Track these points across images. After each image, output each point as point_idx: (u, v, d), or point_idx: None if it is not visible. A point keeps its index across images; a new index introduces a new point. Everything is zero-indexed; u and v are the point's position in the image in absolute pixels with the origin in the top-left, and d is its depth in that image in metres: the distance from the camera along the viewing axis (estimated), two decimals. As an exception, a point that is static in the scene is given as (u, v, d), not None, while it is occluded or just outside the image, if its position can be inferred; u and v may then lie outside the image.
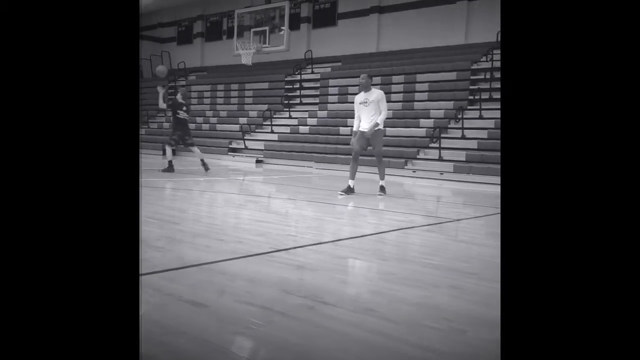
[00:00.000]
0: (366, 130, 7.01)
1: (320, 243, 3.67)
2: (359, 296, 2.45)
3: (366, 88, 7.03)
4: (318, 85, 16.41)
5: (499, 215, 5.71)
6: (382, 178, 7.27)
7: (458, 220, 5.39)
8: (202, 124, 17.92)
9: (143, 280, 2.52)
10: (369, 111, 7.00)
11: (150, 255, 3.04)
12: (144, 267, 2.75)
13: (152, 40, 23.73)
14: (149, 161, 12.32)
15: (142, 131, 19.95)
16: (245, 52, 14.32)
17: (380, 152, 7.19)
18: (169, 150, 10.12)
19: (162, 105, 9.87)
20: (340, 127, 13.88)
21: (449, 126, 12.01)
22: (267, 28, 13.96)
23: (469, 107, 12.29)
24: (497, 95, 12.32)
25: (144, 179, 8.25)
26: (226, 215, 5.12)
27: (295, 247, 3.45)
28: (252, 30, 14.38)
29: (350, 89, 15.15)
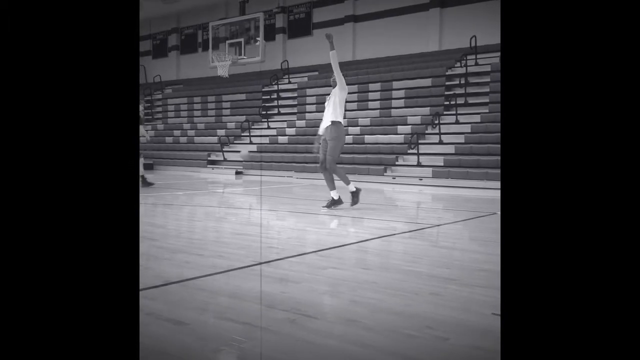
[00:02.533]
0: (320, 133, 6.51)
1: (302, 254, 3.66)
2: (340, 307, 2.44)
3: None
4: (295, 95, 16.44)
5: (479, 219, 5.76)
6: (332, 188, 6.55)
7: (439, 225, 5.43)
8: (180, 137, 17.78)
9: (122, 300, 2.47)
10: (326, 110, 6.43)
11: (129, 273, 2.99)
12: (122, 287, 2.70)
13: (126, 54, 23.52)
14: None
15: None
16: (221, 64, 14.27)
17: (332, 159, 6.40)
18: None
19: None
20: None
21: (427, 132, 12.13)
22: (242, 39, 13.95)
23: (445, 113, 12.44)
24: (473, 100, 12.50)
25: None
26: (206, 229, 5.07)
27: (277, 260, 3.43)
28: (228, 42, 14.35)
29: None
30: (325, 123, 6.40)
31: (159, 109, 20.89)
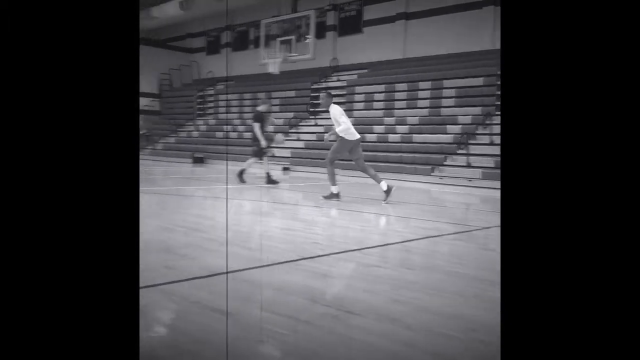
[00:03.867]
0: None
1: (346, 251, 3.68)
2: (382, 305, 2.45)
3: (325, 106, 7.48)
4: (344, 92, 16.45)
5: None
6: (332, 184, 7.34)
7: (487, 228, 5.32)
8: (230, 133, 18.15)
9: (170, 288, 2.57)
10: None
11: (176, 263, 3.10)
12: (170, 276, 2.81)
13: (181, 51, 24.20)
14: (175, 169, 12.52)
15: (172, 139, 20.32)
16: (272, 61, 14.46)
17: (329, 158, 7.41)
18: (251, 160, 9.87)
19: (261, 139, 9.51)
20: (367, 134, 13.86)
21: (477, 132, 11.87)
22: (293, 37, 14.08)
23: (496, 113, 12.13)
24: (526, 100, 12.09)
25: (172, 187, 8.41)
26: (253, 223, 5.17)
27: (321, 256, 3.47)
28: (279, 39, 14.52)
29: (377, 96, 15.13)
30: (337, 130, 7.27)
31: (211, 104, 21.39)
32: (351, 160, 7.79)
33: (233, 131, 18.19)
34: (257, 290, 2.62)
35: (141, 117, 22.47)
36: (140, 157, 19.29)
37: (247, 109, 19.40)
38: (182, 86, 23.81)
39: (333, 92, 16.99)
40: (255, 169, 9.68)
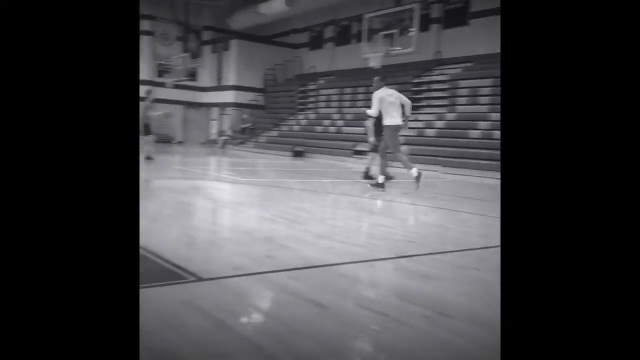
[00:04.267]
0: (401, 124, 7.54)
1: (443, 252, 3.61)
2: (478, 310, 2.38)
3: (375, 89, 7.59)
4: (447, 86, 16.00)
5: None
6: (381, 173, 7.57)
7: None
8: (329, 127, 18.41)
9: (270, 277, 2.69)
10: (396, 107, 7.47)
11: (277, 253, 3.23)
12: (271, 265, 2.94)
13: (285, 47, 24.92)
14: (277, 162, 12.94)
15: (274, 133, 21.04)
16: (373, 55, 14.43)
17: (382, 147, 7.67)
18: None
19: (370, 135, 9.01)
20: (470, 130, 13.40)
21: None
22: (396, 30, 13.92)
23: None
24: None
25: (274, 179, 8.72)
26: (349, 218, 5.23)
27: (417, 255, 3.44)
28: (381, 33, 14.44)
29: (482, 90, 14.55)
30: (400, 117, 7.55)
31: (312, 99, 21.82)
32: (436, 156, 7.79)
33: (332, 125, 18.43)
34: (352, 285, 2.66)
35: (246, 110, 23.50)
36: (245, 149, 20.22)
37: (346, 104, 19.55)
38: (285, 81, 24.53)
39: (435, 86, 16.63)
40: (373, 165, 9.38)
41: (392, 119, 7.41)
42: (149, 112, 11.30)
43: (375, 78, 7.88)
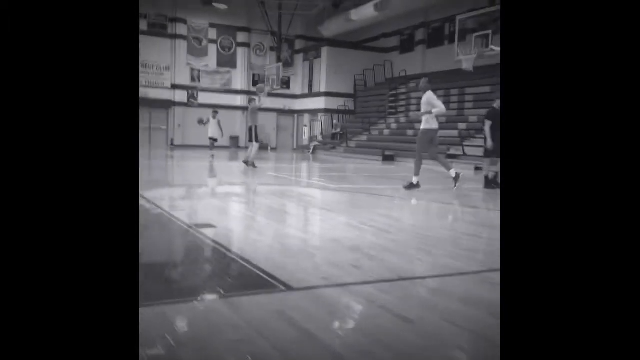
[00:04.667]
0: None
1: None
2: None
3: (424, 90, 8.04)
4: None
5: None
6: (415, 174, 7.92)
7: None
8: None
9: (357, 289, 2.72)
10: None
11: (364, 263, 3.25)
12: (358, 276, 2.96)
13: (375, 51, 24.91)
14: (366, 167, 12.94)
15: (364, 137, 21.09)
16: (466, 57, 14.02)
17: (417, 149, 8.08)
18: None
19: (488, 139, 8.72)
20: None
21: None
22: (490, 31, 13.42)
23: None
24: None
25: (363, 186, 8.73)
26: (441, 227, 5.13)
27: (510, 268, 3.30)
28: (474, 35, 13.99)
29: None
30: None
31: (403, 102, 21.61)
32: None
33: (424, 129, 18.12)
34: (440, 298, 2.62)
35: (337, 116, 23.79)
36: (335, 154, 20.46)
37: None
38: (375, 86, 24.52)
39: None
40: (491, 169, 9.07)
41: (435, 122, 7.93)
42: (256, 116, 11.65)
43: (424, 79, 8.34)
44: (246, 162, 11.54)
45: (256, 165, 11.62)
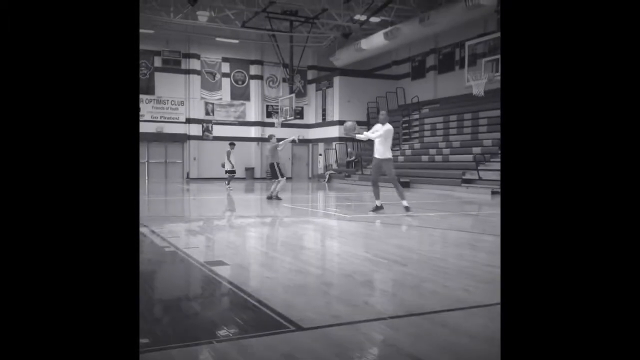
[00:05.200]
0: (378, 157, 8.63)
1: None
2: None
3: (382, 122, 8.62)
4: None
5: None
6: (402, 198, 8.57)
7: None
8: (435, 155, 18.06)
9: (368, 327, 2.68)
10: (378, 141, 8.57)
11: (376, 300, 3.21)
12: (370, 313, 2.92)
13: (387, 79, 25.13)
14: (384, 194, 12.89)
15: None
16: (476, 82, 14.05)
17: (392, 177, 8.66)
18: None
19: None
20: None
21: None
22: (499, 55, 13.46)
23: None
24: None
25: (379, 215, 8.69)
26: (458, 257, 5.04)
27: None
28: (484, 59, 14.04)
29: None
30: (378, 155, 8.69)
31: (416, 128, 21.64)
32: None
33: (438, 154, 18.06)
34: (454, 335, 2.56)
35: (351, 144, 23.86)
36: (350, 182, 20.45)
37: (452, 131, 19.10)
38: (388, 112, 24.63)
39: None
40: None
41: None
42: (277, 153, 11.68)
43: (383, 112, 9.09)
44: (270, 197, 11.57)
45: (280, 197, 11.61)
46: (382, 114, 8.88)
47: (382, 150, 8.53)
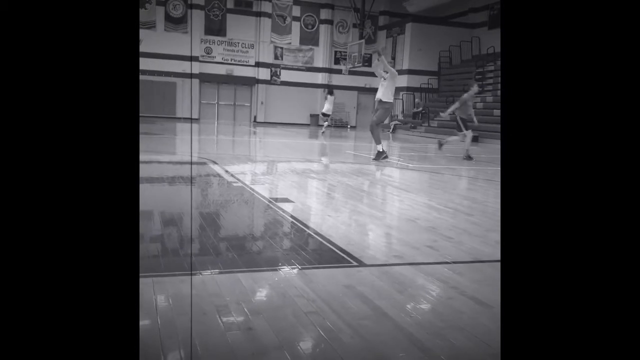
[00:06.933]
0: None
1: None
2: None
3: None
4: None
5: None
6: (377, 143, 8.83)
7: None
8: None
9: (431, 269, 2.66)
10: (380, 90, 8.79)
11: (441, 244, 3.17)
12: (430, 257, 2.90)
13: (462, 27, 23.91)
14: (448, 147, 12.55)
15: (448, 117, 20.44)
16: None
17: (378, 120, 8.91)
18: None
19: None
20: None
21: None
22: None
23: None
24: None
25: (444, 166, 8.50)
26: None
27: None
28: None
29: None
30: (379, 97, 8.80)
31: (490, 80, 20.67)
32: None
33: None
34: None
35: (419, 94, 23.21)
36: (416, 133, 20.02)
37: (529, 85, 18.12)
38: (460, 63, 23.61)
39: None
40: None
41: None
42: (467, 109, 10.28)
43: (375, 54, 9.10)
44: (468, 157, 9.94)
45: (472, 156, 10.11)
46: (374, 57, 9.21)
47: (383, 92, 8.71)
